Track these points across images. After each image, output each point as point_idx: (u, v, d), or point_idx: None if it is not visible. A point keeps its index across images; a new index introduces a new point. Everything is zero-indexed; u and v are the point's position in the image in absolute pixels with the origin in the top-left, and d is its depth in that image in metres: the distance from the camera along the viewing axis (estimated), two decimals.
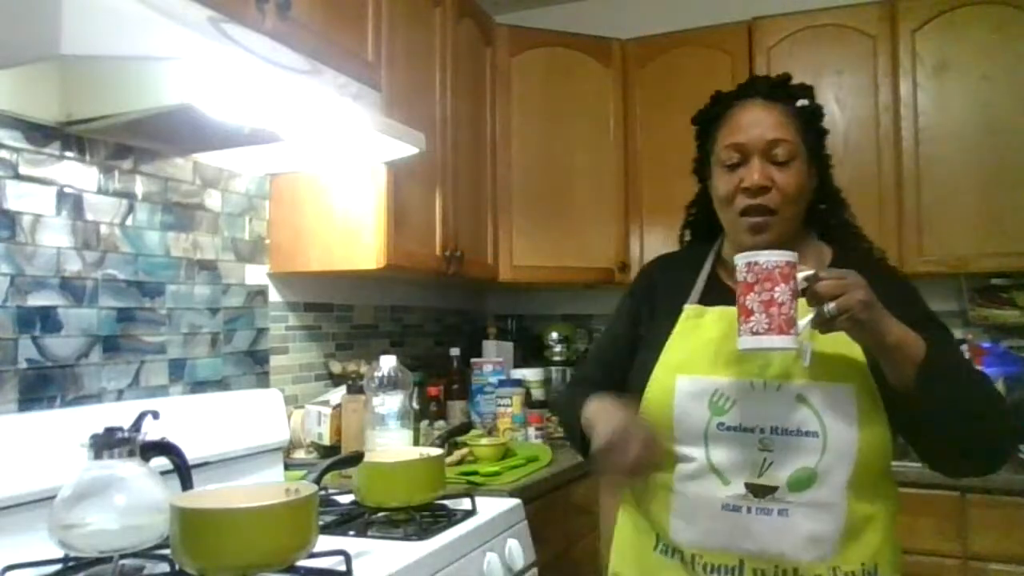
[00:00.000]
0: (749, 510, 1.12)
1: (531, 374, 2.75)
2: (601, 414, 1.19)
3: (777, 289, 1.00)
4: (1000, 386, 2.40)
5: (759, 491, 1.11)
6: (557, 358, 3.05)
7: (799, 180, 1.18)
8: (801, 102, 1.22)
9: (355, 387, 2.06)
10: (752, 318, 1.02)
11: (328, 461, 1.43)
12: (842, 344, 1.08)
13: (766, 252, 1.03)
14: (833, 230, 1.29)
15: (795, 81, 1.27)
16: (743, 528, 1.12)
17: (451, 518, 1.57)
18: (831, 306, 0.99)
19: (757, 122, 1.19)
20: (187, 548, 1.09)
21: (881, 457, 1.13)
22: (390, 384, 1.91)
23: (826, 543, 1.10)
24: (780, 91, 1.23)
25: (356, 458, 1.52)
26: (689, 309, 1.26)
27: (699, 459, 1.16)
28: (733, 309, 1.07)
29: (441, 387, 2.62)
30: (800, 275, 1.01)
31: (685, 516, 1.17)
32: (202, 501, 1.16)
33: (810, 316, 1.03)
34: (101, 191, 1.64)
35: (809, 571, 1.11)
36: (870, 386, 1.11)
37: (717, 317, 1.22)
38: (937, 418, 1.07)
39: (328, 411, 2.07)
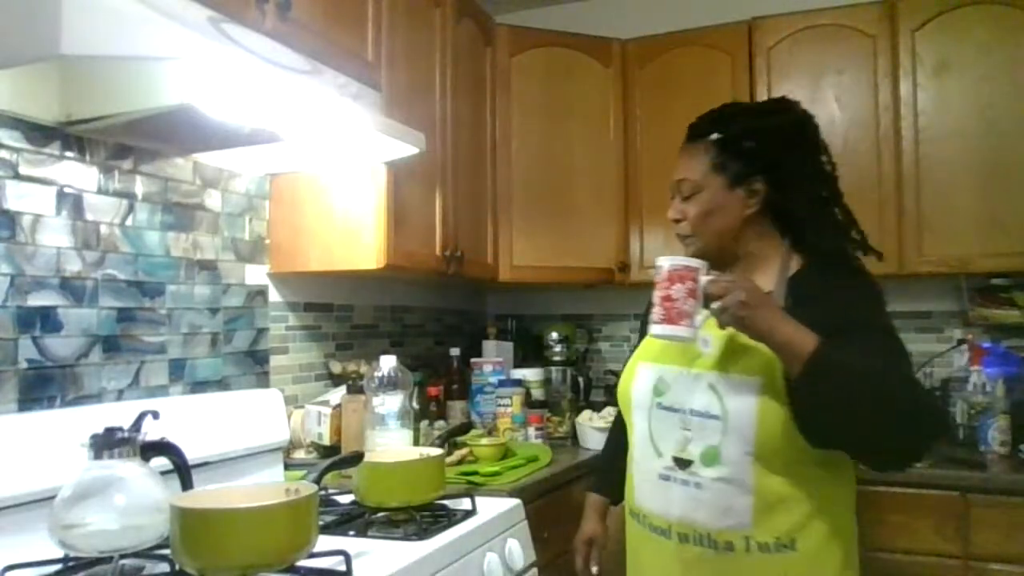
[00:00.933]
0: (675, 480, 1.31)
1: (531, 374, 2.75)
2: (585, 512, 1.69)
3: (673, 288, 1.19)
4: (1000, 386, 2.40)
5: (681, 464, 1.30)
6: (557, 358, 3.04)
7: (702, 208, 1.36)
8: (712, 136, 1.36)
9: (355, 387, 2.06)
10: (654, 311, 1.21)
11: (328, 461, 1.43)
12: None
13: (671, 259, 1.21)
14: (807, 238, 1.38)
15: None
16: (670, 496, 1.31)
17: (451, 518, 1.57)
18: (715, 304, 1.16)
19: (677, 166, 1.41)
20: (187, 548, 1.09)
21: (785, 442, 1.22)
22: (390, 384, 1.91)
23: (738, 514, 1.25)
24: (695, 131, 1.41)
25: (356, 458, 1.52)
26: None
27: (643, 432, 1.37)
28: None
29: (441, 387, 2.62)
30: (703, 279, 1.19)
31: (639, 483, 1.39)
32: (202, 501, 1.16)
33: (707, 312, 1.20)
34: (101, 191, 1.64)
35: (720, 537, 1.26)
36: (776, 381, 1.22)
37: None
38: (821, 413, 1.18)
39: (328, 411, 2.07)
